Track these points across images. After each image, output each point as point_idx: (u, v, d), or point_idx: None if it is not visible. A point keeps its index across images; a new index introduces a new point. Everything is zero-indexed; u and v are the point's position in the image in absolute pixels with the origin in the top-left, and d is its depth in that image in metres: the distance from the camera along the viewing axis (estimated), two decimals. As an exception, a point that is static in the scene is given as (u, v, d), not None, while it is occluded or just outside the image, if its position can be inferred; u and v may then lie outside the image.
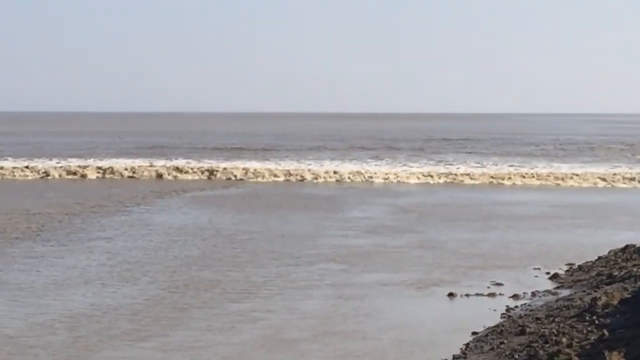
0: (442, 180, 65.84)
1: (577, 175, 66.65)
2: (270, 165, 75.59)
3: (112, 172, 70.04)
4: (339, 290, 27.22)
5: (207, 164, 76.30)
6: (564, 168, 73.65)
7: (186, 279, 28.91)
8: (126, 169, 70.63)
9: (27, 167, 71.39)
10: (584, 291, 25.02)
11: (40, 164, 75.47)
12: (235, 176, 67.56)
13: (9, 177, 68.60)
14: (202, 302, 25.55)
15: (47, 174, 69.82)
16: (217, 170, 70.00)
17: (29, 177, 68.62)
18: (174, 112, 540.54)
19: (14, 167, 72.02)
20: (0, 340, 21.28)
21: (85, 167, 72.08)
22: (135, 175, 69.22)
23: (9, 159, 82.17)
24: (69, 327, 22.47)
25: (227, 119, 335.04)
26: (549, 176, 65.55)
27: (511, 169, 72.37)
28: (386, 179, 66.23)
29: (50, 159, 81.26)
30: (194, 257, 33.08)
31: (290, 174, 67.71)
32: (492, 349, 19.80)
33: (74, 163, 75.50)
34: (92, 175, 69.31)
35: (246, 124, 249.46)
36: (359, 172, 68.60)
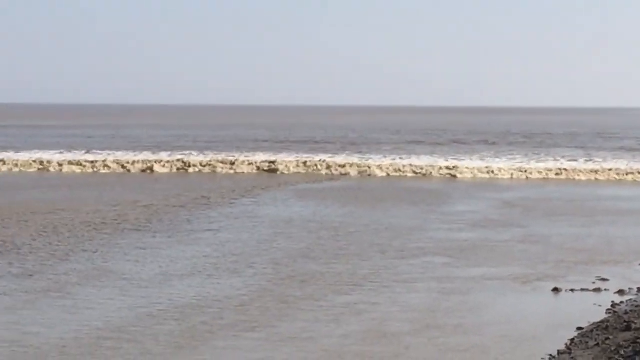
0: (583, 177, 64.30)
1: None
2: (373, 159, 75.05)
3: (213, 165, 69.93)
4: (443, 284, 26.84)
5: (308, 157, 75.83)
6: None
7: (292, 271, 28.72)
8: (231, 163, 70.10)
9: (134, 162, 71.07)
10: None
11: (144, 156, 75.73)
12: (342, 171, 66.87)
13: (119, 170, 68.89)
14: (307, 294, 25.31)
15: (150, 169, 69.94)
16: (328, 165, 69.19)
17: (132, 171, 69.04)
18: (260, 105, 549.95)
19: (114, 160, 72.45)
20: (109, 330, 21.23)
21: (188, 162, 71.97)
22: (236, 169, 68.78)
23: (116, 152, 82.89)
24: (177, 318, 22.40)
25: (321, 112, 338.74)
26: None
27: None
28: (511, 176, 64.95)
29: (154, 152, 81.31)
30: (300, 249, 32.92)
31: (414, 171, 66.36)
32: (597, 344, 19.28)
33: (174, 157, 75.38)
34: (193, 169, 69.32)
35: (339, 118, 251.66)
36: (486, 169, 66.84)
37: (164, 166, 69.18)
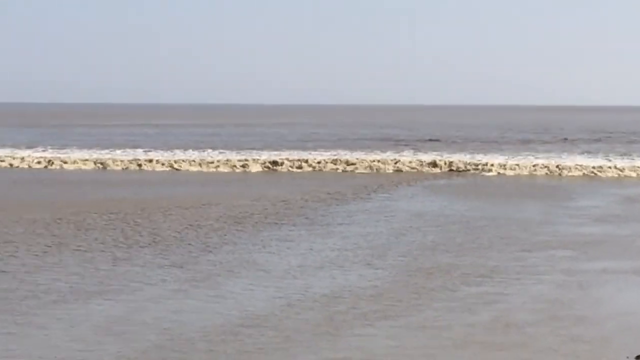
0: None
1: None
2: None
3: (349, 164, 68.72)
4: (568, 276, 26.64)
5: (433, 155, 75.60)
6: None
7: (426, 262, 28.76)
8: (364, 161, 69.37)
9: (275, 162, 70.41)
10: None
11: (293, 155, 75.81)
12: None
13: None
14: (438, 285, 25.31)
15: (275, 163, 69.59)
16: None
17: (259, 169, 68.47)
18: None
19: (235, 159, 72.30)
20: (250, 318, 21.43)
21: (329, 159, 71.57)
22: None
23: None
24: (314, 308, 22.56)
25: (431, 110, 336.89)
26: None
27: None
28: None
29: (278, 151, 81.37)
30: (433, 242, 32.92)
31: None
32: None
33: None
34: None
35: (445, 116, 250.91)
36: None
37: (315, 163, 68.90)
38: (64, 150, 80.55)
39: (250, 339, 19.42)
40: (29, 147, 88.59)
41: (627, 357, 17.88)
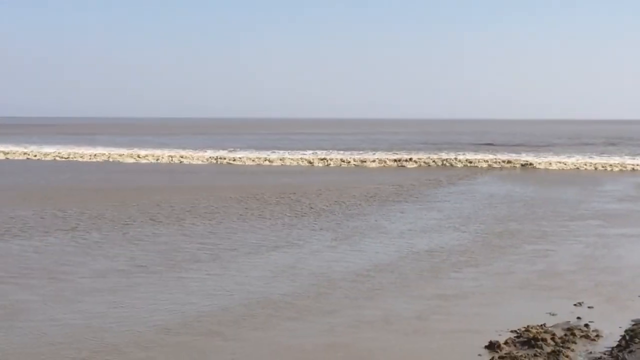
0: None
1: None
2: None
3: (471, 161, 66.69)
4: (598, 238, 26.52)
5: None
6: None
7: (497, 228, 28.80)
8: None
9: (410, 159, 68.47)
10: None
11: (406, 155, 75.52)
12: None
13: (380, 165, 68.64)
14: (508, 244, 25.39)
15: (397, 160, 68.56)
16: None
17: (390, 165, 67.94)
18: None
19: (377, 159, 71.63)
20: (380, 265, 21.83)
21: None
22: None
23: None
24: (421, 258, 22.83)
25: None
26: None
27: None
28: None
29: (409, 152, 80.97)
30: (503, 214, 32.91)
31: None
32: None
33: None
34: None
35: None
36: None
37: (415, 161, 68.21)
38: (242, 152, 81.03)
39: (376, 279, 19.86)
40: (210, 148, 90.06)
41: (639, 296, 17.97)
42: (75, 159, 72.01)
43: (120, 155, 73.78)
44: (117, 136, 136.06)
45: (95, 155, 73.59)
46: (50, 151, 77.64)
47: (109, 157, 72.07)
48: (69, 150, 78.36)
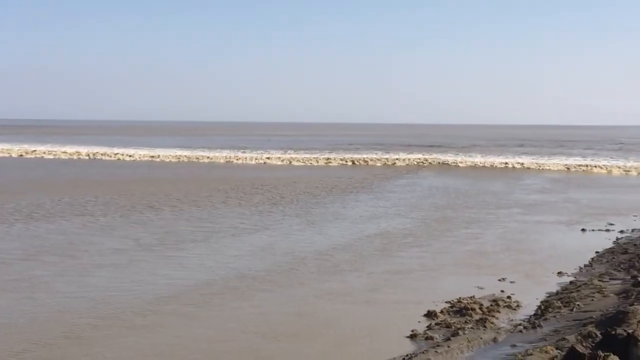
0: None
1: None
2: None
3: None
4: (519, 224, 26.79)
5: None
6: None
7: (437, 215, 28.99)
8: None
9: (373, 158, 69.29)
10: (663, 230, 23.87)
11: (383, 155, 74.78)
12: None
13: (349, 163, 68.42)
14: (446, 228, 25.57)
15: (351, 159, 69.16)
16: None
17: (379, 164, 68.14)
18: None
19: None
20: (341, 244, 21.92)
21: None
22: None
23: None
24: (374, 240, 22.92)
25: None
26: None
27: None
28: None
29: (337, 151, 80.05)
30: (442, 203, 33.09)
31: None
32: (607, 261, 19.12)
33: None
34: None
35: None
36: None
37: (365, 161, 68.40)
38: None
39: (336, 258, 19.93)
40: (185, 147, 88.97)
41: (553, 273, 18.19)
42: (77, 157, 71.19)
43: (104, 153, 72.65)
44: (99, 136, 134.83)
45: (94, 153, 72.29)
46: (43, 149, 75.82)
47: (98, 155, 70.90)
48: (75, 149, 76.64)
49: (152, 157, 68.25)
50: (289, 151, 77.91)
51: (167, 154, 70.69)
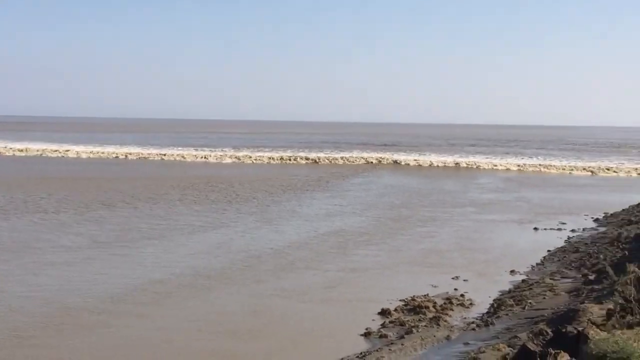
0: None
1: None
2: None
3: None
4: (473, 223, 26.99)
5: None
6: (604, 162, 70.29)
7: (393, 213, 29.03)
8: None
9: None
10: (614, 228, 24.24)
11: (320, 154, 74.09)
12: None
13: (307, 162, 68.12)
14: (401, 226, 25.60)
15: (308, 158, 68.93)
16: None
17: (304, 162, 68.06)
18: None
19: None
20: (297, 243, 21.89)
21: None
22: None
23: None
24: (331, 238, 22.88)
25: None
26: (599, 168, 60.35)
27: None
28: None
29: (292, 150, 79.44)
30: (397, 202, 33.20)
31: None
32: (559, 260, 19.39)
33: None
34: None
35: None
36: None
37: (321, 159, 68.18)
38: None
39: (292, 255, 19.92)
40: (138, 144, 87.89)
41: (505, 271, 18.36)
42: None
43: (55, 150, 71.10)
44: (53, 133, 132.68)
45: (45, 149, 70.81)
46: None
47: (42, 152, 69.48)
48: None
49: (102, 153, 67.01)
50: (242, 149, 77.15)
51: (117, 151, 69.38)
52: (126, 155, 65.60)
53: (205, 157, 65.14)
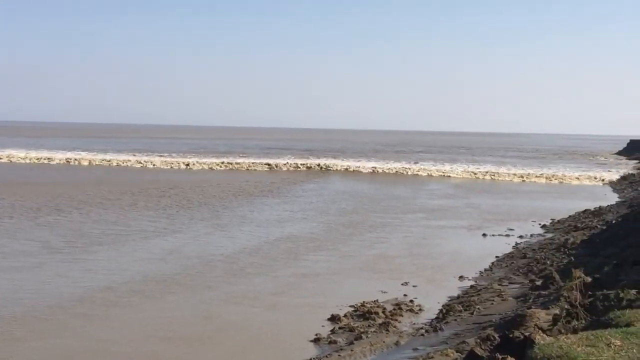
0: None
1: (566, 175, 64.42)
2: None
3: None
4: (423, 229, 27.08)
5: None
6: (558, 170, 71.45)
7: (344, 219, 29.04)
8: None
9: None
10: (561, 235, 24.55)
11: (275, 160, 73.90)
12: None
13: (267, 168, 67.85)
14: (352, 232, 25.63)
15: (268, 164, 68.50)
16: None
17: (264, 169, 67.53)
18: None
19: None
20: (249, 248, 21.71)
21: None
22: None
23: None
24: (282, 244, 22.78)
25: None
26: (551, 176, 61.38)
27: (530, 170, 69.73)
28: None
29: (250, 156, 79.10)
30: (348, 208, 33.22)
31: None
32: (507, 266, 19.53)
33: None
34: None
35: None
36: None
37: (284, 165, 68.03)
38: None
39: (244, 261, 19.76)
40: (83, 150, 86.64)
41: (454, 277, 18.46)
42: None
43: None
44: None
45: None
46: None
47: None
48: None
49: (49, 159, 65.52)
50: (189, 154, 76.32)
51: (65, 156, 67.82)
52: (74, 161, 63.88)
53: (152, 163, 63.40)
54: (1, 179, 43.59)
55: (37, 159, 65.50)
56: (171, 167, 61.04)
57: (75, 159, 65.22)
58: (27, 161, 64.00)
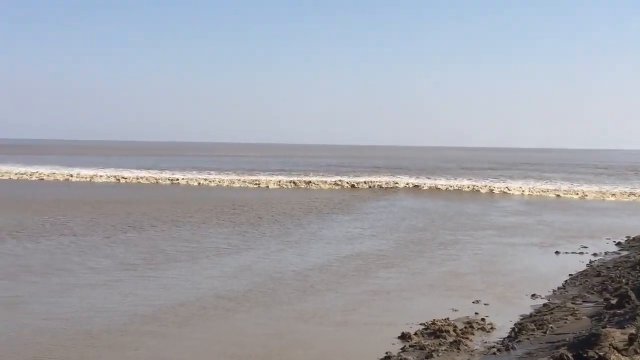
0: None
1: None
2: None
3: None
4: (494, 246, 26.71)
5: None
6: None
7: (414, 236, 28.86)
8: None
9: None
10: (637, 253, 23.89)
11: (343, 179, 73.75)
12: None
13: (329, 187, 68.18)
14: (422, 249, 25.43)
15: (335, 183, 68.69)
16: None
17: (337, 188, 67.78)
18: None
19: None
20: (320, 266, 21.73)
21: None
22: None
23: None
24: (353, 262, 22.73)
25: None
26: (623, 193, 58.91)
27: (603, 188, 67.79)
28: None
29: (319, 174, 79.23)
30: (419, 225, 32.99)
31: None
32: (581, 284, 19.03)
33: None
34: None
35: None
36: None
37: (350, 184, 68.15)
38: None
39: (315, 278, 19.77)
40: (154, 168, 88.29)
41: (527, 295, 18.09)
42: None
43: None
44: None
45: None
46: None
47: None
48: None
49: (116, 177, 66.74)
50: (259, 173, 76.64)
51: (131, 175, 68.89)
52: (142, 180, 64.87)
53: (219, 182, 63.44)
54: (75, 197, 44.78)
55: (115, 177, 66.64)
56: (240, 186, 61.29)
57: (147, 178, 66.20)
58: (105, 180, 65.28)
